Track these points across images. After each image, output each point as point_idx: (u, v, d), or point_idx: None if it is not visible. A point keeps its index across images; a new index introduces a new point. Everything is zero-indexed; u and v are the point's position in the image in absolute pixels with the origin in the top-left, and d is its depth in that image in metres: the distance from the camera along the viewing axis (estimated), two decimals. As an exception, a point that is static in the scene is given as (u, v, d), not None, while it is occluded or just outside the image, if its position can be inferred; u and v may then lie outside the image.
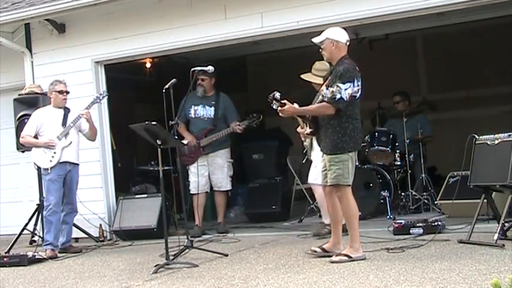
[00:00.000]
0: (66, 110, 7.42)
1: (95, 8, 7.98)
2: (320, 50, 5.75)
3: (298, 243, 6.72)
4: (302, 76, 6.97)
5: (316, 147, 6.60)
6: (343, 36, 5.70)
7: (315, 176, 7.00)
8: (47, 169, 7.23)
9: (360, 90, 5.60)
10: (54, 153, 7.23)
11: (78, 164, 7.45)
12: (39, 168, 7.53)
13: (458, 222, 6.79)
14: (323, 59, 5.95)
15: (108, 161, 8.63)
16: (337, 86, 5.47)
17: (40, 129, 7.34)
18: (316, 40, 5.74)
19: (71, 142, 7.30)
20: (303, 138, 7.08)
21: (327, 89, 5.57)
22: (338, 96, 5.47)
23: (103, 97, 7.64)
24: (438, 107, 10.60)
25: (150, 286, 5.28)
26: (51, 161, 7.22)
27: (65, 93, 7.40)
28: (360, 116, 5.71)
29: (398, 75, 10.71)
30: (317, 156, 6.68)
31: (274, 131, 10.64)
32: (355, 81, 5.53)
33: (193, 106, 8.15)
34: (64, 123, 7.33)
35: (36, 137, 7.34)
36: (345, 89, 5.47)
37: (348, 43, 5.73)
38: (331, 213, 5.88)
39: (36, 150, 7.34)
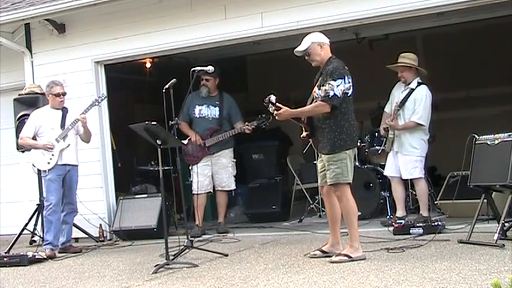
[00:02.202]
0: (65, 111, 7.39)
1: (95, 8, 7.97)
2: (306, 57, 5.75)
3: (298, 243, 6.72)
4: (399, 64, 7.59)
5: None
6: (325, 38, 5.81)
7: (395, 168, 7.39)
8: (45, 171, 7.23)
9: (351, 87, 5.64)
10: (52, 155, 7.20)
11: (77, 165, 7.44)
12: (38, 169, 7.52)
13: (458, 222, 6.80)
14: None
15: (108, 161, 8.63)
16: (329, 83, 5.54)
17: (39, 131, 7.32)
18: (301, 48, 5.73)
19: (69, 144, 7.26)
20: (382, 132, 7.49)
21: (319, 89, 5.63)
22: (331, 93, 5.53)
23: (101, 100, 7.59)
24: (438, 107, 10.57)
25: (150, 286, 5.28)
26: (49, 163, 7.20)
27: (62, 96, 7.36)
28: (360, 115, 5.71)
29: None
30: (399, 146, 7.31)
31: (274, 131, 10.62)
32: (346, 77, 5.60)
33: (197, 106, 8.15)
34: (62, 124, 7.30)
35: (35, 138, 7.33)
36: (337, 86, 5.54)
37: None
38: (329, 213, 5.90)
39: (34, 151, 7.32)
